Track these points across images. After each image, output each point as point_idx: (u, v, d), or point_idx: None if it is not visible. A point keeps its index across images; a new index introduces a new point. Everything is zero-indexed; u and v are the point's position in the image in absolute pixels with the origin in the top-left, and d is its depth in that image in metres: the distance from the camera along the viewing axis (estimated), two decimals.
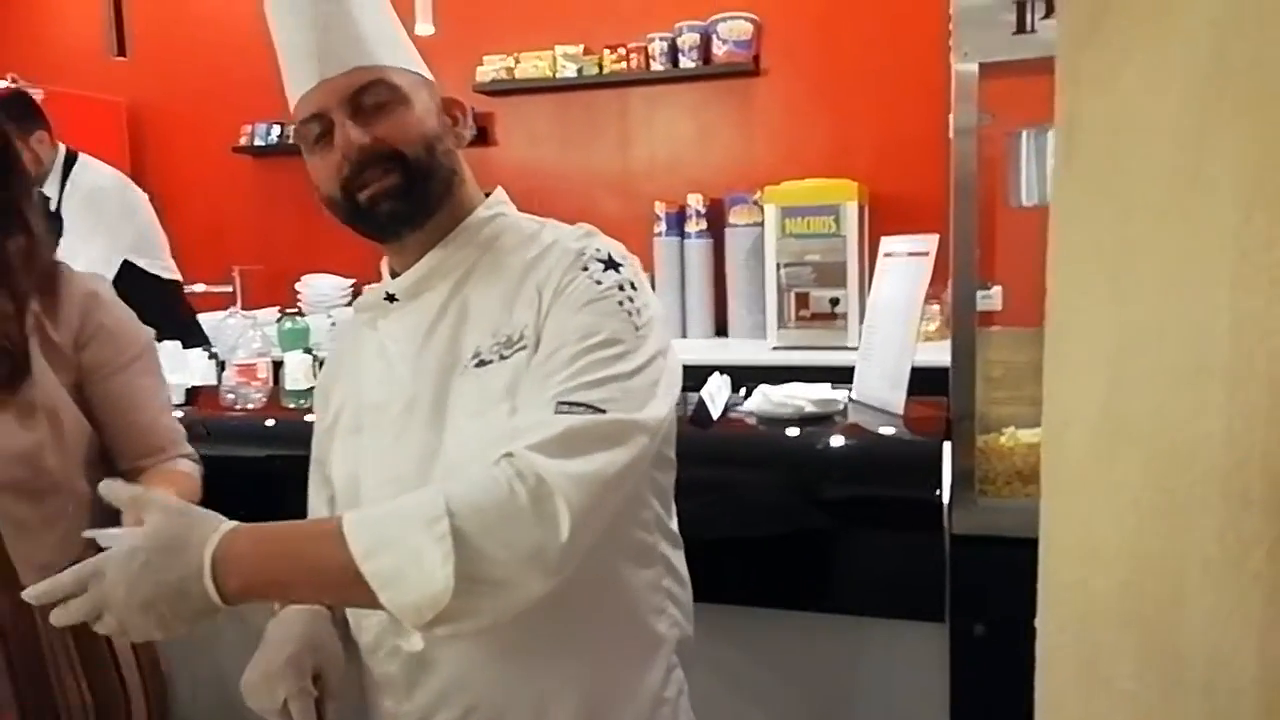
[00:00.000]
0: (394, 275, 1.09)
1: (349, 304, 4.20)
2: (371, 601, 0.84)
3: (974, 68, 1.62)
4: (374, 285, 1.12)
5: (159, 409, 1.36)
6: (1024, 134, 1.79)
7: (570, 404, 0.89)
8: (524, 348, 0.97)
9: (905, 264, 1.86)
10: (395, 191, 1.00)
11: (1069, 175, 0.53)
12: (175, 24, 4.75)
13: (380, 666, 1.04)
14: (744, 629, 1.52)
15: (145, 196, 3.20)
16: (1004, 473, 1.63)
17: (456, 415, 0.99)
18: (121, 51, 2.78)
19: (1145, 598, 0.50)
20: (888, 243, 1.96)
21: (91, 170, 3.02)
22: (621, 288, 0.98)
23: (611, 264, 1.00)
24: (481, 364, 0.98)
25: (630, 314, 0.96)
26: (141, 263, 3.04)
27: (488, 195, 1.11)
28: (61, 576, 0.86)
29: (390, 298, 1.07)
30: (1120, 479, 0.50)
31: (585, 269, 0.98)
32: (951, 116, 1.72)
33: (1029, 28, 1.54)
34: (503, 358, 0.97)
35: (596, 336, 0.93)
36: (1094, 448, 0.51)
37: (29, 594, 0.87)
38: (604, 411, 0.89)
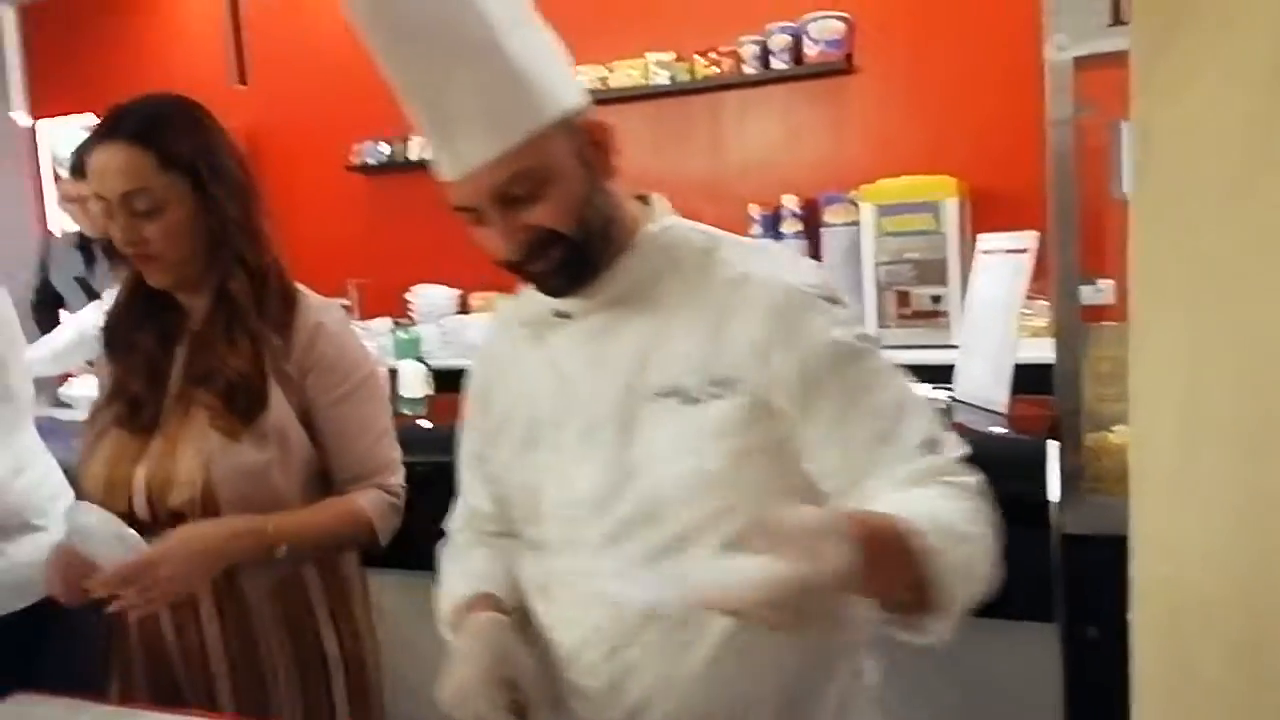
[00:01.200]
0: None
1: (459, 312, 4.35)
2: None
3: (1069, 59, 1.61)
4: (527, 292, 1.08)
5: (375, 437, 1.41)
6: (1124, 125, 1.75)
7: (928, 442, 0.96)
8: (744, 395, 0.96)
9: (1004, 261, 1.84)
10: (561, 269, 0.98)
11: (1144, 181, 0.55)
12: (289, 49, 5.00)
13: (580, 678, 1.04)
14: None
15: None
16: (1114, 470, 1.60)
17: (658, 447, 0.98)
18: (243, 80, 2.96)
19: (1231, 591, 0.52)
20: (985, 240, 1.95)
21: None
22: (853, 325, 1.00)
23: (833, 300, 1.00)
24: (688, 400, 0.97)
25: (874, 348, 1.01)
26: None
27: (639, 199, 1.08)
28: None
29: (561, 314, 1.05)
30: (1204, 476, 0.52)
31: (819, 308, 0.98)
32: (1047, 108, 1.70)
33: (1124, 18, 1.51)
34: (714, 397, 0.96)
35: (887, 390, 0.98)
36: (1178, 446, 0.53)
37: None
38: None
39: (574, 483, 1.02)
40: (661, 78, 4.28)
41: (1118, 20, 1.51)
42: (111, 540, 1.21)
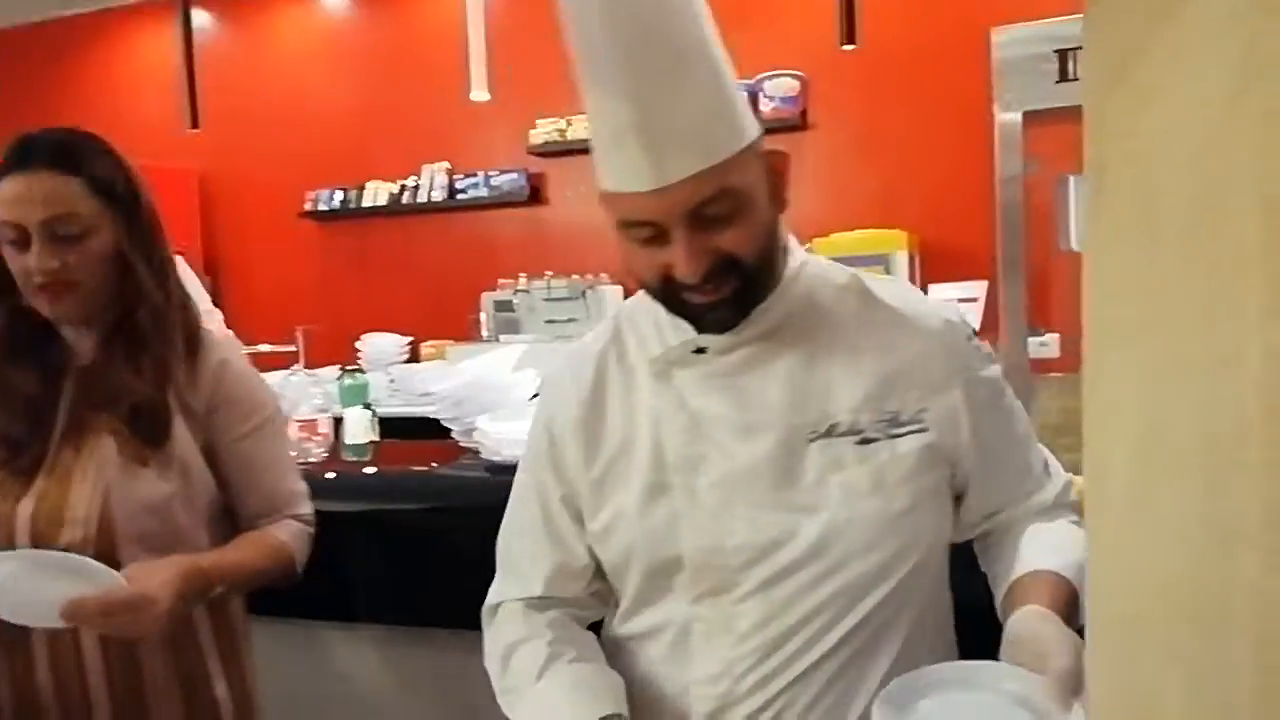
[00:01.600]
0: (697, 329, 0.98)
1: (407, 361, 4.29)
2: None
3: (1017, 116, 1.65)
4: (639, 326, 1.03)
5: (283, 470, 1.41)
6: (1071, 179, 1.79)
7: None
8: (921, 430, 0.95)
9: (956, 293, 1.86)
10: (729, 302, 0.93)
11: (1098, 217, 0.55)
12: (245, 95, 4.98)
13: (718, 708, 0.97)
14: None
15: (179, 260, 3.27)
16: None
17: (831, 489, 0.93)
18: (195, 124, 2.93)
19: (1192, 629, 0.50)
20: (936, 291, 1.97)
21: None
22: (991, 358, 1.03)
23: (973, 333, 1.03)
24: (866, 440, 0.94)
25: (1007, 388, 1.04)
26: None
27: None
28: None
29: (700, 350, 0.98)
30: (1161, 513, 0.51)
31: (974, 345, 1.01)
32: (997, 160, 1.74)
33: (1071, 75, 1.56)
34: (890, 436, 0.94)
35: (1020, 421, 1.03)
36: (1133, 483, 0.52)
37: None
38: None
39: (721, 531, 0.95)
40: None
41: (1065, 77, 1.55)
42: (73, 575, 1.13)
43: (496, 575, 1.12)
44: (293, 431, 2.32)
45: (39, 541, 1.23)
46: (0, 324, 1.32)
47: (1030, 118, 1.60)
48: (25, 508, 1.24)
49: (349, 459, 2.26)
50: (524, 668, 1.01)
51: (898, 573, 0.94)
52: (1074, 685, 0.77)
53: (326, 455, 2.25)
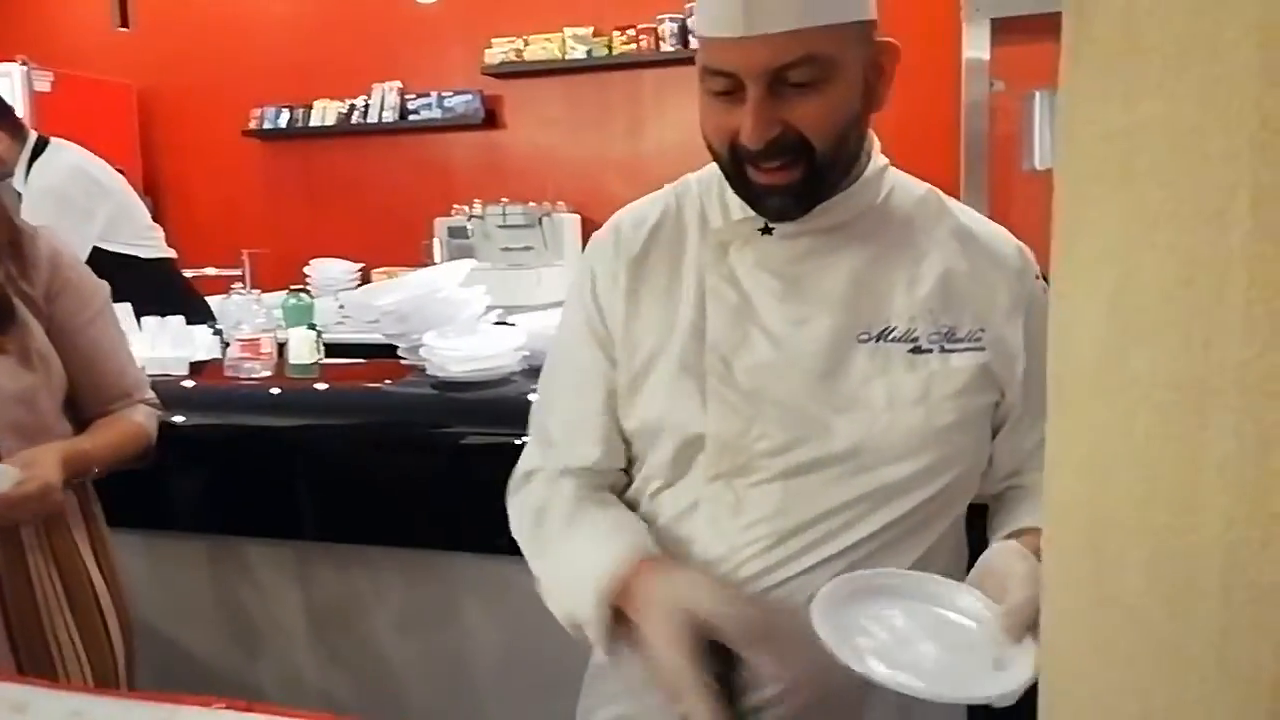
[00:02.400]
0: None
1: (357, 286, 4.19)
2: None
3: (986, 25, 1.59)
4: (700, 181, 0.99)
5: (124, 358, 1.44)
6: (1038, 95, 1.75)
7: None
8: (978, 349, 0.92)
9: None
10: (791, 189, 0.89)
11: (1078, 57, 0.50)
12: (187, 6, 4.75)
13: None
14: None
15: (119, 176, 3.14)
16: None
17: (876, 392, 0.90)
18: (125, 23, 2.77)
19: (1156, 505, 0.47)
20: None
21: (54, 158, 2.93)
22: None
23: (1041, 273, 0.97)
24: (918, 350, 0.91)
25: None
26: (113, 246, 2.95)
27: None
28: None
29: (767, 230, 0.94)
30: (1130, 377, 0.47)
31: (1041, 286, 0.95)
32: (963, 76, 1.69)
33: None
34: (944, 350, 0.91)
35: None
36: (1103, 346, 0.48)
37: None
38: None
39: (749, 416, 0.91)
40: (578, 52, 4.20)
41: None
42: None
43: (529, 444, 1.07)
44: (234, 350, 2.24)
45: None
46: None
47: (999, 28, 1.54)
48: None
49: (293, 377, 2.19)
50: (556, 520, 0.98)
51: (927, 487, 0.92)
52: (1028, 618, 0.76)
53: (269, 375, 2.17)
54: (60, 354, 1.33)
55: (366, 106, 4.56)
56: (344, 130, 4.61)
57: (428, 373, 1.90)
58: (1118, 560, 0.49)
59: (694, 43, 4.03)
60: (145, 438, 1.40)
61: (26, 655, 1.27)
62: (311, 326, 2.50)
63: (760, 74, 0.84)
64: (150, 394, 1.46)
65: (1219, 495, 0.44)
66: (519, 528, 1.02)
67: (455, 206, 4.22)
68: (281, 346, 2.37)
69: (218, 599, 1.94)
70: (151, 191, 4.86)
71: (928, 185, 1.00)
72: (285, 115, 4.69)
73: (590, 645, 0.92)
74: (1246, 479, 0.43)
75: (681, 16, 4.04)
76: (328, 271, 4.22)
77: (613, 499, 1.01)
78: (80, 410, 1.38)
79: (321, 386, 2.13)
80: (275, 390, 2.08)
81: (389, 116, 4.52)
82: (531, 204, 4.08)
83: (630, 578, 0.87)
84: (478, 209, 4.13)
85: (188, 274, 3.47)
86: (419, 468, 1.79)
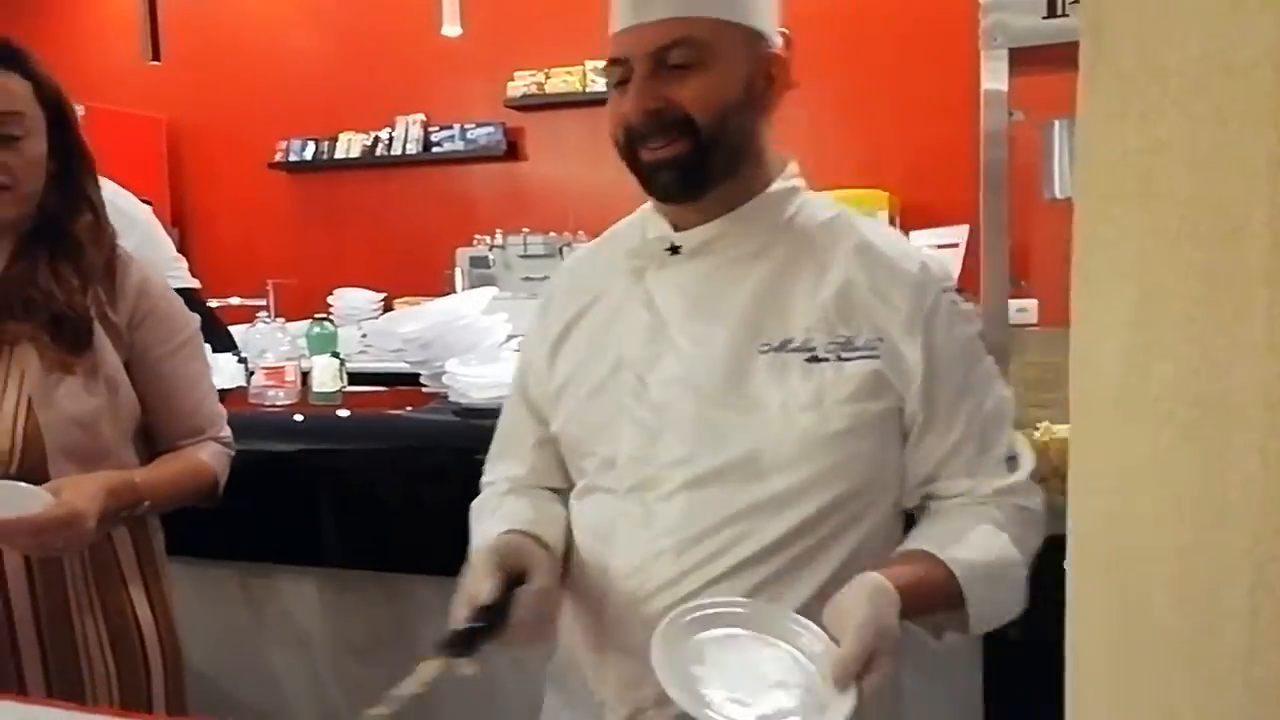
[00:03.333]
0: (675, 228, 1.02)
1: (379, 315, 4.23)
2: None
3: (1004, 56, 1.60)
4: (638, 221, 1.07)
5: (203, 393, 1.41)
6: (1057, 124, 1.76)
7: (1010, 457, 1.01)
8: (872, 357, 0.95)
9: (934, 241, 1.83)
10: (676, 162, 0.96)
11: (1094, 83, 0.50)
12: (214, 42, 4.85)
13: (631, 631, 0.98)
14: None
15: (145, 208, 3.19)
16: (1040, 470, 1.58)
17: (772, 401, 0.95)
18: (156, 56, 2.83)
19: (1181, 523, 0.47)
20: (916, 237, 1.93)
21: None
22: (975, 323, 1.03)
23: (960, 292, 1.03)
24: (815, 359, 0.95)
25: (986, 351, 1.03)
26: None
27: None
28: None
29: (674, 249, 1.01)
30: (1153, 395, 0.47)
31: (949, 299, 0.99)
32: (981, 110, 1.69)
33: (1060, 11, 1.51)
34: (840, 358, 0.95)
35: (991, 399, 1.00)
36: (1125, 364, 0.48)
37: None
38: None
39: (657, 428, 0.97)
40: (599, 85, 4.25)
41: (1053, 12, 1.51)
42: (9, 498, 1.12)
43: (485, 468, 1.17)
44: (258, 378, 2.27)
45: None
46: None
47: (1017, 58, 1.55)
48: None
49: (317, 404, 2.21)
50: (482, 513, 1.11)
51: (823, 494, 0.95)
52: (855, 670, 0.80)
53: (293, 402, 2.19)
54: (137, 384, 1.32)
55: (390, 139, 4.62)
56: (368, 162, 4.68)
57: (450, 400, 1.91)
58: (1143, 578, 0.49)
59: None
60: (209, 476, 1.36)
61: (59, 683, 1.24)
62: (335, 355, 2.51)
63: (644, 55, 0.94)
64: (225, 432, 1.42)
65: (1244, 512, 0.43)
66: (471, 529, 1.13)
67: (477, 236, 4.26)
68: (305, 375, 2.39)
69: (243, 625, 1.95)
70: (179, 222, 4.95)
71: (843, 208, 1.05)
72: (311, 147, 4.77)
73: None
74: (1271, 495, 0.43)
75: None
76: (351, 301, 4.26)
77: (536, 493, 1.11)
78: (154, 442, 1.36)
79: (344, 414, 2.14)
80: (299, 417, 2.10)
81: (412, 148, 4.58)
82: (552, 234, 4.11)
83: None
84: (499, 239, 4.17)
85: (213, 303, 3.51)
86: (442, 494, 1.79)
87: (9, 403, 1.21)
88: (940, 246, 1.81)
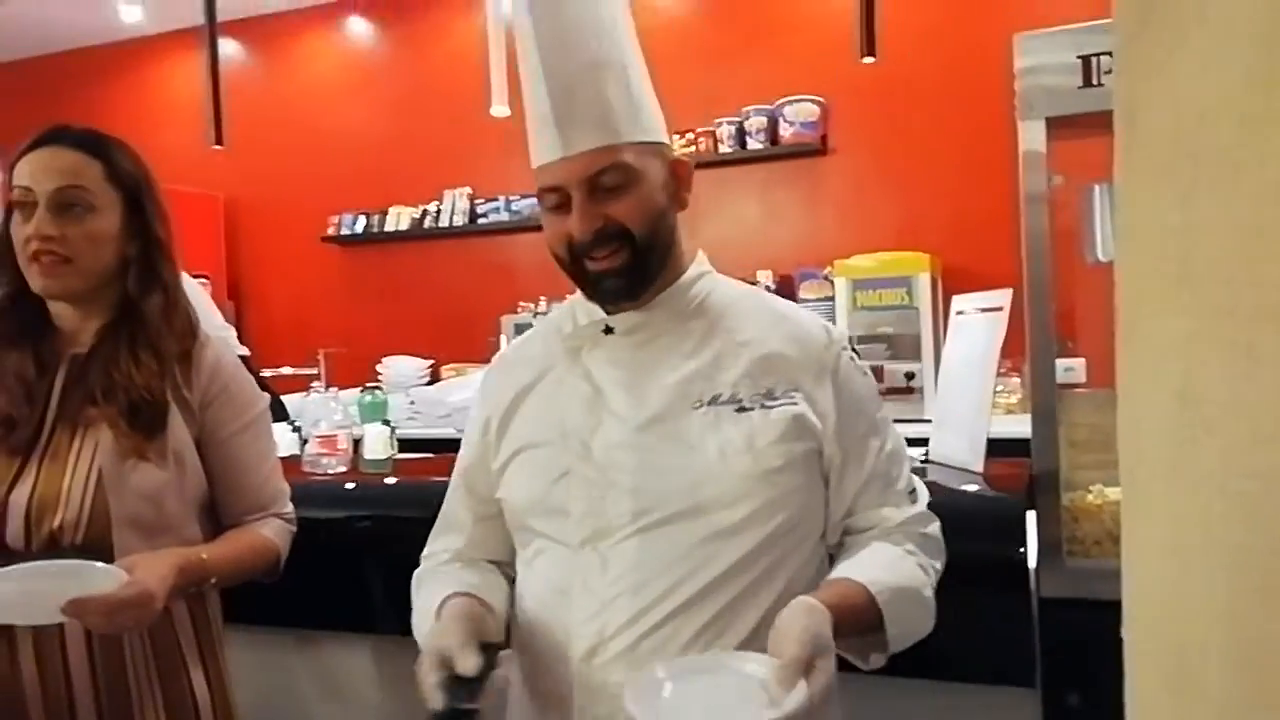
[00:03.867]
0: (606, 312, 1.15)
1: (428, 384, 4.30)
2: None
3: (1041, 124, 1.63)
4: (569, 308, 1.19)
5: (269, 471, 1.45)
6: (1097, 189, 1.77)
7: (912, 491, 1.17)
8: (792, 404, 1.09)
9: (979, 321, 1.83)
10: (621, 270, 1.08)
11: (1130, 164, 0.53)
12: (269, 122, 5.04)
13: (595, 673, 1.07)
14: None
15: (193, 281, 3.28)
16: (1093, 533, 1.57)
17: (709, 449, 1.07)
18: (219, 140, 2.95)
19: (1235, 592, 0.47)
20: (959, 301, 1.94)
21: None
22: (870, 376, 1.19)
23: (855, 350, 1.20)
24: (743, 409, 1.08)
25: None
26: None
27: None
28: None
29: (609, 330, 1.14)
30: (1203, 469, 0.48)
31: (848, 355, 1.16)
32: (1020, 175, 1.71)
33: (1095, 81, 1.54)
34: (764, 406, 1.08)
35: (890, 439, 1.16)
36: (1172, 438, 0.50)
37: None
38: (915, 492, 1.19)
39: (606, 484, 1.08)
40: None
41: (1089, 83, 1.53)
42: (75, 576, 1.14)
43: (427, 545, 1.27)
44: (312, 447, 2.32)
45: (32, 523, 1.23)
46: (2, 305, 1.34)
47: (1054, 125, 1.57)
48: (21, 491, 1.25)
49: (368, 473, 2.25)
50: (424, 579, 1.20)
51: (764, 526, 1.07)
52: (797, 671, 0.90)
53: (345, 470, 2.24)
54: (205, 461, 1.35)
55: (438, 211, 4.75)
56: (417, 234, 4.81)
57: None
58: (1200, 651, 0.49)
59: (751, 143, 4.15)
60: (273, 553, 1.39)
61: None
62: (386, 422, 2.57)
63: (579, 181, 1.06)
64: (288, 509, 1.46)
65: None
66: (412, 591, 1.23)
67: (521, 304, 4.34)
68: (357, 442, 2.44)
69: (299, 690, 1.97)
70: (234, 296, 5.10)
71: (750, 287, 1.22)
72: (361, 221, 4.91)
73: None
74: None
75: (738, 120, 4.17)
76: (399, 369, 4.34)
77: (475, 564, 1.22)
78: (219, 517, 1.39)
79: (393, 480, 2.18)
80: (351, 485, 2.14)
81: (459, 220, 4.70)
82: None
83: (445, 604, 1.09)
84: (543, 305, 4.24)
85: (266, 373, 3.60)
86: None
87: (79, 477, 1.25)
88: (985, 310, 1.82)
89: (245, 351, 3.45)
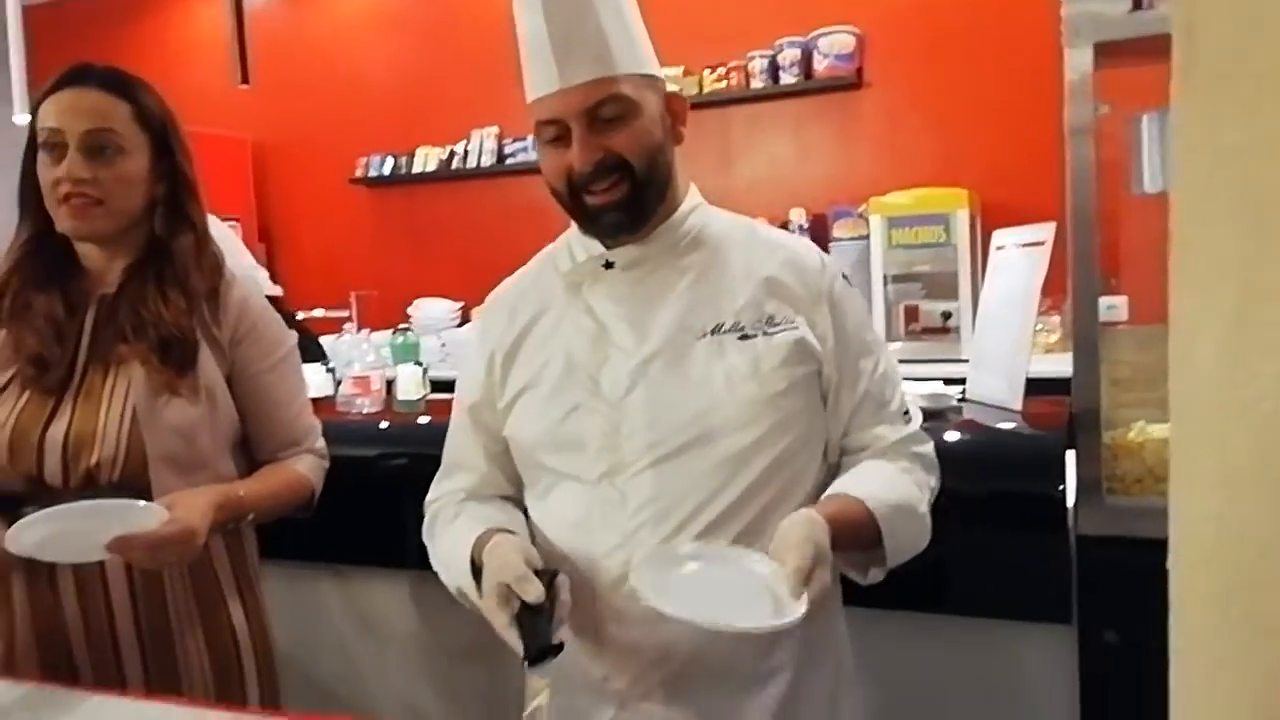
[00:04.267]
0: (605, 247, 1.15)
1: (458, 326, 4.31)
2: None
3: (1088, 50, 1.57)
4: (567, 244, 1.19)
5: (299, 407, 1.47)
6: (1145, 118, 1.71)
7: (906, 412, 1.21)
8: (793, 329, 1.12)
9: (1019, 256, 1.79)
10: (621, 204, 1.09)
11: (1189, 81, 0.50)
12: (295, 64, 5.01)
13: (625, 602, 1.09)
14: (867, 631, 1.48)
15: (222, 224, 3.30)
16: (1134, 471, 1.55)
17: (715, 376, 1.09)
18: (245, 79, 2.94)
19: None
20: (1000, 236, 1.90)
21: None
22: (859, 299, 1.22)
23: (848, 280, 1.21)
24: (746, 336, 1.11)
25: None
26: None
27: None
28: None
29: (609, 265, 1.14)
30: (1255, 394, 0.46)
31: (842, 281, 1.18)
32: (1065, 105, 1.66)
33: (1146, 4, 1.47)
34: (766, 333, 1.11)
35: (883, 361, 1.18)
36: (1224, 362, 0.48)
37: None
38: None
39: (618, 418, 1.10)
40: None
41: (1139, 5, 1.47)
42: (120, 514, 1.17)
43: (432, 488, 1.28)
44: (346, 387, 2.34)
45: (69, 461, 1.26)
46: (23, 248, 1.35)
47: (1101, 52, 1.52)
48: (57, 429, 1.27)
49: (401, 412, 2.27)
50: (442, 519, 1.23)
51: (773, 448, 1.10)
52: (802, 578, 0.95)
53: (379, 410, 2.26)
54: (237, 398, 1.37)
55: (466, 152, 4.72)
56: (445, 175, 4.78)
57: None
58: (1250, 578, 0.48)
59: (784, 77, 4.06)
60: (307, 488, 1.41)
61: (160, 690, 1.29)
62: (418, 363, 2.58)
63: (579, 113, 1.07)
64: (320, 444, 1.48)
65: None
66: (426, 542, 1.26)
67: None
68: (390, 383, 2.46)
69: (337, 624, 2.01)
70: (265, 238, 5.12)
71: (744, 218, 1.22)
72: (389, 163, 4.89)
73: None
74: None
75: (771, 53, 4.08)
76: (431, 311, 4.36)
77: (491, 500, 1.23)
78: (252, 454, 1.42)
79: (426, 420, 2.20)
80: (384, 424, 2.16)
81: (487, 160, 4.67)
82: None
83: (482, 548, 1.10)
84: None
85: (299, 315, 3.63)
86: None
87: (114, 414, 1.27)
88: (1026, 245, 1.78)
89: (279, 291, 3.48)
